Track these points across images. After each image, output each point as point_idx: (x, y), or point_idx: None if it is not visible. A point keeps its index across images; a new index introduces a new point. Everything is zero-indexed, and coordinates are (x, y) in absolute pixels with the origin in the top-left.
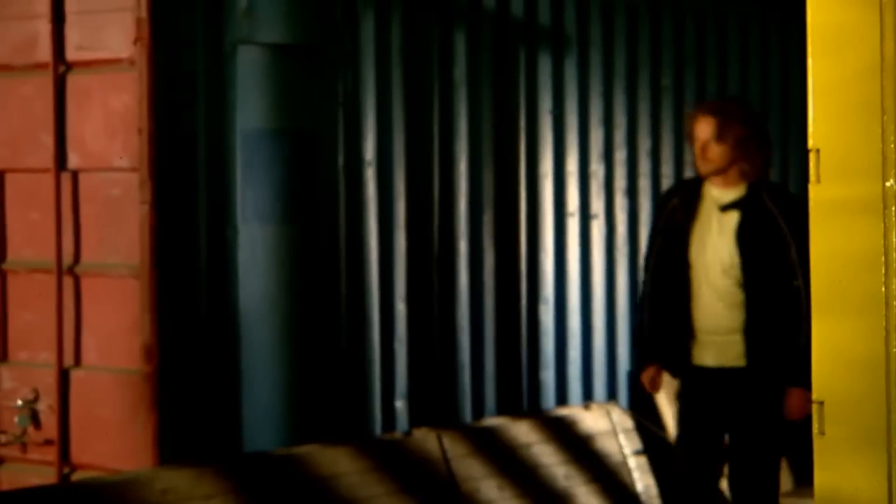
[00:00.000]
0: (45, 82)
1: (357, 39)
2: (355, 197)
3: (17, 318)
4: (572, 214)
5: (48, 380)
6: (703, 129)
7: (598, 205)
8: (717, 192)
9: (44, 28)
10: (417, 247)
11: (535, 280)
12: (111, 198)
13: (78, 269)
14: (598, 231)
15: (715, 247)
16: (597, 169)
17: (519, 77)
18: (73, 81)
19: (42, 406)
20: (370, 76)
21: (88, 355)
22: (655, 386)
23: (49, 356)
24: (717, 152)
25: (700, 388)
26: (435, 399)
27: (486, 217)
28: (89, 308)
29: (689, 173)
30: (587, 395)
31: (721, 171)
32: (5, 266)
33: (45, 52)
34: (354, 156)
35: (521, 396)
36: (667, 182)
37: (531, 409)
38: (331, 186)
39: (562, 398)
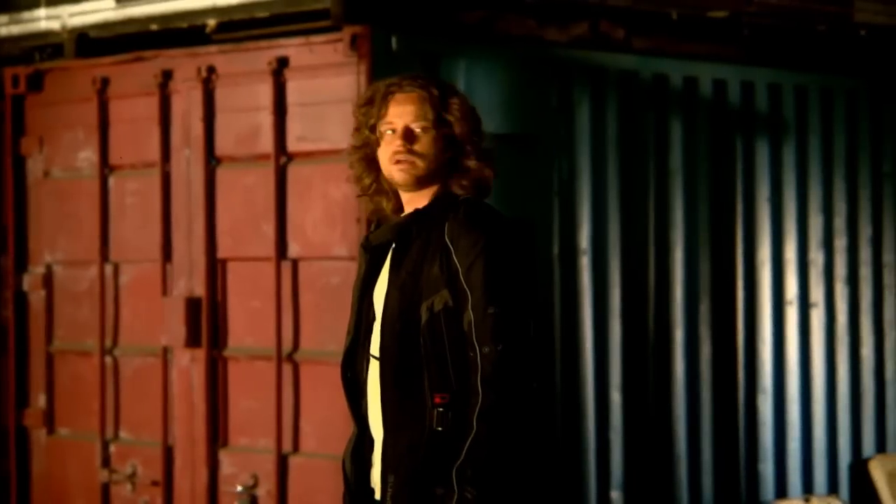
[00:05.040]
0: (267, 173)
1: (572, 128)
2: (570, 285)
3: (238, 405)
4: (791, 303)
5: (267, 465)
6: (408, 110)
7: (817, 293)
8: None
9: (266, 120)
10: (633, 336)
11: (753, 369)
12: (330, 286)
13: (297, 357)
14: (817, 320)
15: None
16: (816, 257)
17: (736, 164)
18: (294, 172)
19: (261, 492)
20: (585, 164)
21: (307, 442)
22: None
23: (268, 442)
24: (427, 145)
25: None
26: (651, 490)
27: (703, 306)
28: (308, 395)
29: None
30: (807, 488)
31: (426, 181)
32: (226, 353)
33: (267, 144)
34: (569, 244)
35: (738, 488)
36: (889, 271)
37: (749, 502)
38: (546, 274)
39: (781, 491)
